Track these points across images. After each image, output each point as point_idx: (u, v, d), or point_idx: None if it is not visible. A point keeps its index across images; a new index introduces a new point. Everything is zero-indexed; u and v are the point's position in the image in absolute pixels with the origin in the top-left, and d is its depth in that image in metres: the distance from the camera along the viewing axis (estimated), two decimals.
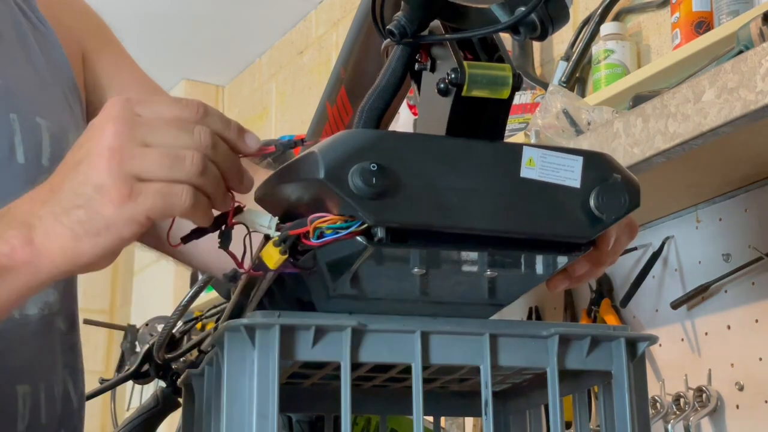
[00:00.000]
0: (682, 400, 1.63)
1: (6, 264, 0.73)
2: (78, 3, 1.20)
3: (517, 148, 0.79)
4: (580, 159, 0.80)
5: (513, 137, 1.83)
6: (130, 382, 1.47)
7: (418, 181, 0.76)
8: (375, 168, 0.74)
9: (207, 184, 0.73)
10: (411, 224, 0.76)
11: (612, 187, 0.80)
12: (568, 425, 1.10)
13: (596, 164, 0.81)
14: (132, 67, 1.21)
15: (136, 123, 0.72)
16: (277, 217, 0.79)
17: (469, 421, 1.96)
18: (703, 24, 1.74)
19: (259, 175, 1.14)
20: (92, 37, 1.17)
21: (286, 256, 0.77)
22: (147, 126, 0.72)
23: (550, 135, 1.69)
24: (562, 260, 0.85)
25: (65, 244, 0.72)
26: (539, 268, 0.87)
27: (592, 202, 0.80)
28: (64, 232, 0.72)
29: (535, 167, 0.79)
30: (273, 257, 0.77)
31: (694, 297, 1.66)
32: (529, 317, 1.96)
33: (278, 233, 0.78)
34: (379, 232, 0.76)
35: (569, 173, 0.80)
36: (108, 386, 1.52)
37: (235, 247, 0.81)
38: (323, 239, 0.77)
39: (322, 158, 0.74)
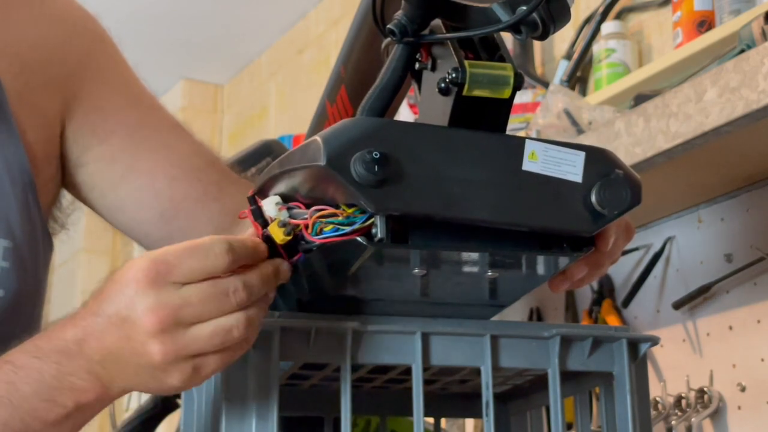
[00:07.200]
0: (683, 401, 1.62)
1: (83, 401, 0.79)
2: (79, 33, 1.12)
3: (520, 141, 0.79)
4: (583, 154, 0.80)
5: None
6: None
7: (420, 171, 0.75)
8: (378, 156, 0.73)
9: (254, 327, 0.77)
10: (412, 213, 0.76)
11: (614, 183, 0.80)
12: (569, 426, 1.09)
13: (598, 160, 0.80)
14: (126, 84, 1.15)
15: (175, 307, 0.74)
16: (279, 199, 0.80)
17: (469, 423, 1.95)
18: (704, 23, 1.74)
19: (240, 186, 1.12)
20: (90, 69, 1.11)
21: (290, 237, 0.78)
22: (187, 305, 0.74)
23: (551, 134, 1.69)
24: (563, 261, 0.84)
25: (139, 389, 0.80)
26: (540, 269, 0.86)
27: (593, 198, 0.79)
28: (137, 386, 0.79)
29: (537, 161, 0.78)
30: (278, 234, 0.78)
31: (696, 297, 1.65)
32: (530, 318, 1.95)
33: (280, 215, 0.78)
34: (380, 233, 0.75)
35: (571, 168, 0.79)
36: None
37: None
38: (323, 236, 0.76)
39: (324, 145, 0.74)
